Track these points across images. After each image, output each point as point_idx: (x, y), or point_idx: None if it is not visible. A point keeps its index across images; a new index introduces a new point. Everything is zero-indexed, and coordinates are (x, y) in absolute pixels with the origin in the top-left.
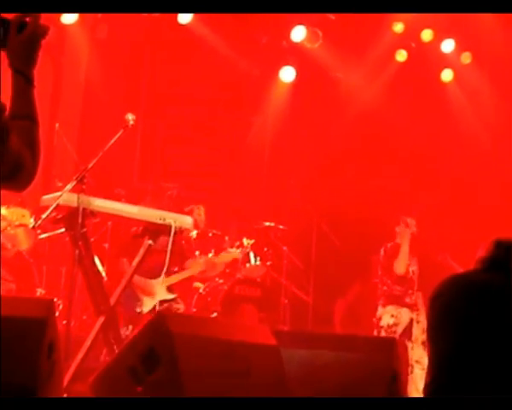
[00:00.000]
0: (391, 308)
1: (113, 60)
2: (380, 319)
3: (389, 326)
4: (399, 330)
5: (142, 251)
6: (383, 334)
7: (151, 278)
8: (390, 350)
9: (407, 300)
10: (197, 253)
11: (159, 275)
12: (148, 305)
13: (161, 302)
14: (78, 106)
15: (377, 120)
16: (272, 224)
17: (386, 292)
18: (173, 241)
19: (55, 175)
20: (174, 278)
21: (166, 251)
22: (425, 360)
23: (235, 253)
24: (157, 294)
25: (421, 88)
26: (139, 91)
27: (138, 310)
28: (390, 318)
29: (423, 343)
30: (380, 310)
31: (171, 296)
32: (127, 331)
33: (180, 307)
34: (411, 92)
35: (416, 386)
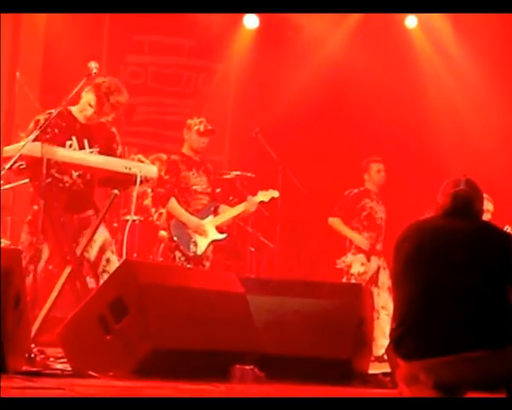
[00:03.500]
0: (361, 257)
1: None
2: (350, 266)
3: (359, 274)
4: (368, 277)
5: (108, 201)
6: (353, 281)
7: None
8: (356, 296)
9: (377, 247)
10: None
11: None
12: (202, 245)
13: (213, 242)
14: (40, 53)
15: (341, 66)
16: (239, 173)
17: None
18: None
19: (18, 126)
20: (222, 218)
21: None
22: (390, 306)
23: (272, 192)
24: (209, 233)
25: (386, 34)
26: (101, 40)
27: (193, 250)
28: (360, 266)
29: (389, 289)
30: (350, 257)
31: (222, 236)
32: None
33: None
34: (376, 39)
35: (383, 331)
